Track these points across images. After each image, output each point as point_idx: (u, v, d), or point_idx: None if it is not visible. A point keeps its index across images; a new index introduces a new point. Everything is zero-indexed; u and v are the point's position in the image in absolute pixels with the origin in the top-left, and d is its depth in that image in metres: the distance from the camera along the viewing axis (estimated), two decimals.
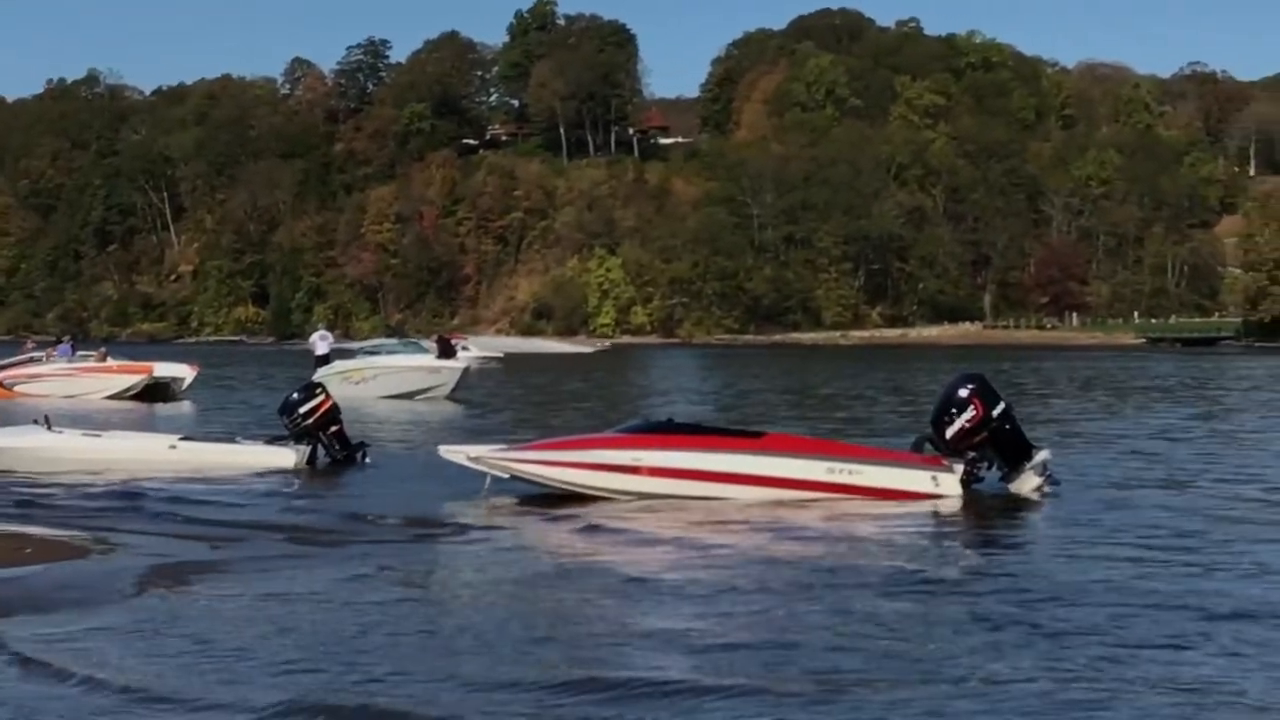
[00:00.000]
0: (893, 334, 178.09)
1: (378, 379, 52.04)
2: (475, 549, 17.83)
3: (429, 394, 51.38)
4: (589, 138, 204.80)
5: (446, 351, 63.49)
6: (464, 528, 19.17)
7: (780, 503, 20.75)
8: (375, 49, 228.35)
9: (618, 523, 19.52)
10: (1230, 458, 28.59)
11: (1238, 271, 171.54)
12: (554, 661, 11.66)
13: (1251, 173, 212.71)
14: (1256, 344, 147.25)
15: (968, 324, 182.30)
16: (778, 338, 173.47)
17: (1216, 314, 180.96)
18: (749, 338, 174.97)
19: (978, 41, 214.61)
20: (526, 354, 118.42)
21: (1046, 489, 21.85)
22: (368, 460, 26.44)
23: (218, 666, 11.68)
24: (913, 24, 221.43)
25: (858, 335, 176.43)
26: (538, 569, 16.18)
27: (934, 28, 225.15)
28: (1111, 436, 34.33)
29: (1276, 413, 43.82)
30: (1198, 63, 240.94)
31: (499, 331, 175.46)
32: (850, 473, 21.28)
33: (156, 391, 52.21)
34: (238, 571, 16.11)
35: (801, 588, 14.74)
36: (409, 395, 50.84)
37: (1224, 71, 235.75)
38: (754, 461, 21.31)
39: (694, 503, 20.80)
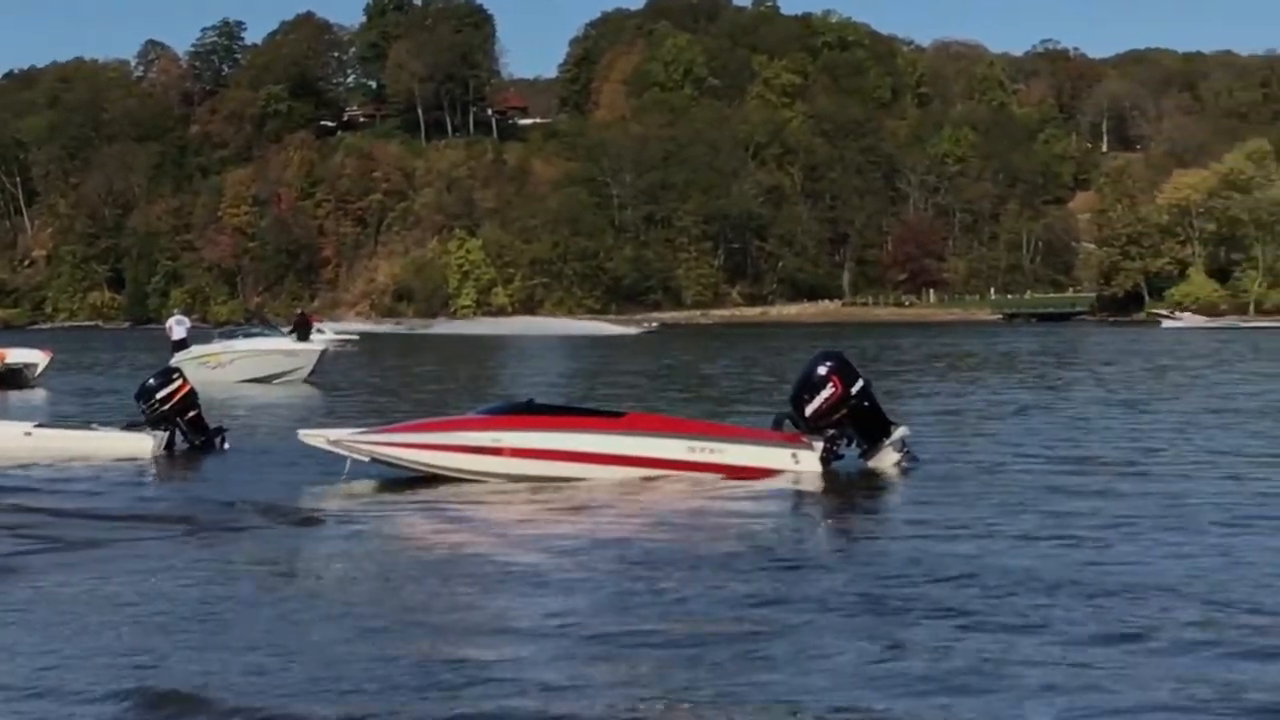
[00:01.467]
0: (753, 312, 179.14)
1: (235, 363, 51.53)
2: (331, 535, 17.60)
3: (287, 377, 50.97)
4: (447, 119, 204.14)
5: (304, 330, 63.10)
6: (322, 512, 18.92)
7: (641, 482, 20.76)
8: (230, 30, 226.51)
9: (475, 507, 19.41)
10: (1084, 430, 28.95)
11: (1091, 247, 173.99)
12: (378, 658, 11.21)
13: (1104, 149, 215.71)
14: (1110, 318, 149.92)
15: (827, 302, 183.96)
16: (639, 317, 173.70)
17: (1071, 289, 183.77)
18: (610, 318, 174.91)
19: (833, 21, 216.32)
20: (575, 336, 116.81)
21: (905, 465, 22.06)
22: (226, 445, 26.16)
23: None
24: (769, 4, 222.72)
25: (718, 314, 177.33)
26: (390, 558, 15.91)
27: (790, 7, 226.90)
28: (969, 412, 34.70)
29: (1127, 386, 44.48)
30: (1050, 40, 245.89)
31: (358, 314, 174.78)
32: (711, 451, 21.33)
33: (9, 378, 51.25)
34: (57, 565, 15.37)
35: (655, 570, 14.59)
36: (267, 379, 50.42)
37: (1076, 49, 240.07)
38: (615, 441, 21.29)
39: (554, 484, 20.71)
